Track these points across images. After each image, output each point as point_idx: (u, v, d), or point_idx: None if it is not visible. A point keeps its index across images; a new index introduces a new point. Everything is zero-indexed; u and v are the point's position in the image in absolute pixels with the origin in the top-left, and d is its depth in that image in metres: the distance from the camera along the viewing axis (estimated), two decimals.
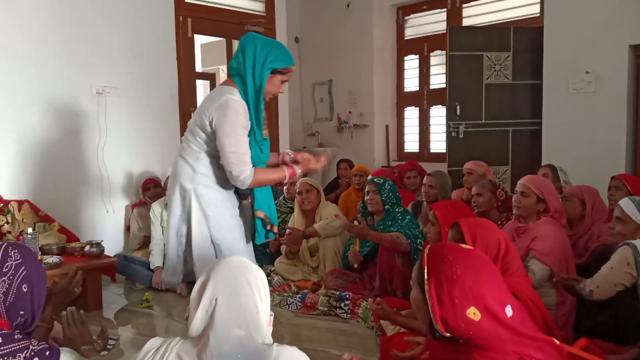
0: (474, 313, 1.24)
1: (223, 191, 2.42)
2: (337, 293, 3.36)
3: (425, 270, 1.30)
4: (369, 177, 3.85)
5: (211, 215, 2.36)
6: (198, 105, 2.49)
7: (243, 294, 1.33)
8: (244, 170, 2.25)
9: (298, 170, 2.45)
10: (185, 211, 2.37)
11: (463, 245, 1.39)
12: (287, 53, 2.37)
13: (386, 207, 3.41)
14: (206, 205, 2.35)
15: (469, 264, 1.29)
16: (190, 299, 1.38)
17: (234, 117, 2.23)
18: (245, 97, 2.30)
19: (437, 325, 1.26)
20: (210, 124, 2.26)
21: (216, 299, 1.32)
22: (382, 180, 3.47)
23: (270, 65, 2.30)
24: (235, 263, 1.41)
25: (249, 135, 2.31)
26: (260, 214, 2.49)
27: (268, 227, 2.54)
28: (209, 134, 2.29)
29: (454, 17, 5.67)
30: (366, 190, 3.50)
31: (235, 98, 2.26)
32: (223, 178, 2.38)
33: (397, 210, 3.42)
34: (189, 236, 2.39)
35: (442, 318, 1.26)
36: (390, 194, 3.42)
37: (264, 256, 4.11)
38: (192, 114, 2.41)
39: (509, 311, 1.28)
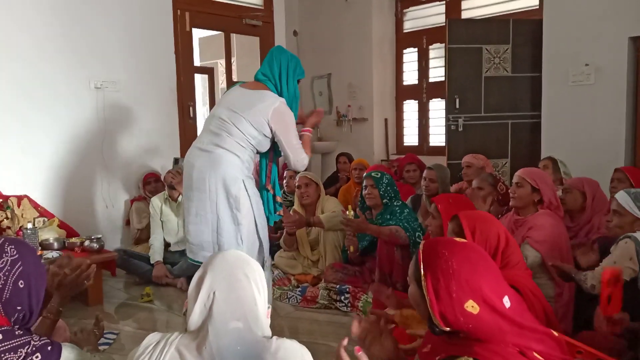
0: (472, 306, 1.24)
1: (254, 182, 2.83)
2: (337, 286, 3.37)
3: (422, 266, 1.30)
4: (366, 172, 3.85)
5: (254, 201, 2.72)
6: (232, 105, 2.71)
7: (240, 287, 1.34)
8: (305, 157, 2.78)
9: (309, 132, 2.93)
10: (235, 199, 2.65)
11: (458, 239, 1.39)
12: (301, 66, 2.87)
13: (384, 201, 3.41)
14: (251, 192, 2.71)
15: (464, 257, 1.29)
16: (187, 294, 1.38)
17: (291, 118, 2.73)
18: None
19: (436, 320, 1.26)
20: (269, 125, 2.66)
21: (214, 293, 1.32)
22: (379, 174, 3.47)
23: (297, 77, 2.82)
24: (232, 256, 1.41)
25: None
26: (278, 199, 2.95)
27: (278, 213, 3.00)
28: (262, 133, 2.67)
29: (453, 9, 5.65)
30: (364, 184, 3.50)
31: (284, 101, 2.72)
32: (252, 170, 2.83)
33: (395, 204, 3.42)
34: (242, 223, 2.69)
35: (440, 313, 1.25)
36: (388, 188, 3.42)
37: None
38: (227, 109, 2.69)
39: (506, 302, 1.28)
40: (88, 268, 1.84)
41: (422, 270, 1.29)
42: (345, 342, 1.27)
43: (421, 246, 1.35)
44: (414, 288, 1.34)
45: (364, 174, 3.64)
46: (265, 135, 2.68)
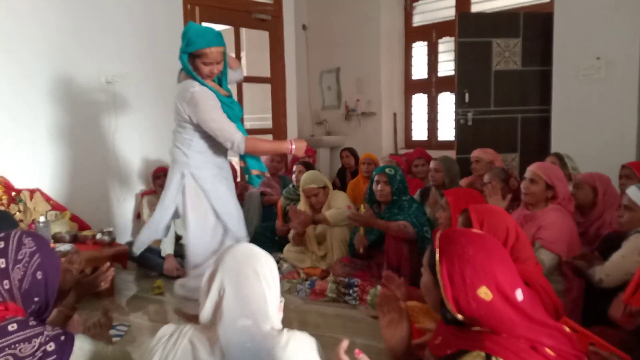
0: (485, 293, 1.25)
1: (215, 169, 2.88)
2: (346, 280, 3.38)
3: (437, 252, 1.31)
4: (381, 165, 3.81)
5: (208, 189, 2.83)
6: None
7: (250, 285, 1.34)
8: (234, 139, 2.71)
9: (293, 146, 2.88)
10: (180, 192, 2.84)
11: (474, 230, 1.40)
12: (202, 36, 2.65)
13: (394, 197, 3.42)
14: (203, 182, 2.82)
15: (481, 245, 1.31)
16: (200, 288, 1.40)
17: (203, 104, 2.68)
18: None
19: (448, 305, 1.27)
20: (191, 119, 2.73)
21: (224, 290, 1.33)
22: (393, 170, 3.46)
23: (186, 50, 2.68)
24: (242, 253, 1.41)
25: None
26: (254, 172, 2.97)
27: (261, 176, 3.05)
28: (194, 125, 2.75)
29: (463, 3, 5.61)
30: (375, 179, 3.49)
31: (196, 89, 2.69)
32: (216, 156, 2.88)
33: (403, 198, 3.42)
34: (184, 215, 2.88)
35: (453, 298, 1.27)
36: (400, 185, 3.43)
37: (273, 244, 4.14)
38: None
39: (519, 295, 1.29)
40: (107, 270, 1.89)
41: (437, 255, 1.31)
42: (345, 344, 1.27)
43: (438, 234, 1.37)
44: (427, 275, 1.36)
45: (376, 169, 3.63)
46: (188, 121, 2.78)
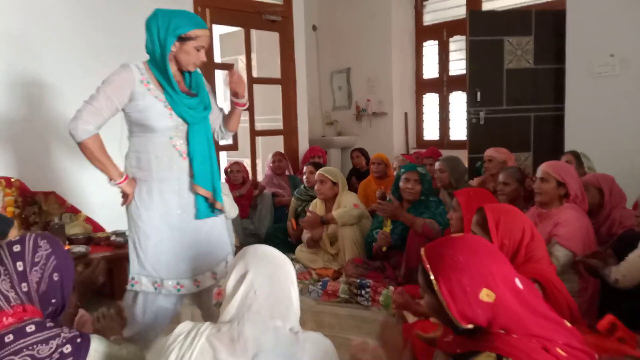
0: (487, 294, 1.25)
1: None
2: (358, 281, 3.38)
3: (430, 273, 1.30)
4: (408, 164, 3.77)
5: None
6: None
7: (280, 287, 1.39)
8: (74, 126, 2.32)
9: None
10: None
11: (453, 235, 1.40)
12: (191, 18, 2.30)
13: (422, 197, 3.41)
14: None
15: (467, 248, 1.30)
16: (226, 287, 1.41)
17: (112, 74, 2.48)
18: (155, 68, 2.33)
19: (457, 321, 1.27)
20: None
21: (255, 292, 1.36)
22: (424, 170, 3.48)
23: (175, 33, 2.25)
24: (271, 255, 1.46)
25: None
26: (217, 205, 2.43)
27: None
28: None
29: (474, 1, 5.58)
30: (405, 177, 3.45)
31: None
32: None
33: (431, 199, 3.42)
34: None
35: (459, 312, 1.26)
36: (429, 186, 3.46)
37: (285, 245, 4.14)
38: None
39: (519, 283, 1.29)
40: (99, 264, 1.91)
41: (431, 276, 1.30)
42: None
43: (423, 255, 1.35)
44: (428, 297, 1.34)
45: (406, 167, 3.56)
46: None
